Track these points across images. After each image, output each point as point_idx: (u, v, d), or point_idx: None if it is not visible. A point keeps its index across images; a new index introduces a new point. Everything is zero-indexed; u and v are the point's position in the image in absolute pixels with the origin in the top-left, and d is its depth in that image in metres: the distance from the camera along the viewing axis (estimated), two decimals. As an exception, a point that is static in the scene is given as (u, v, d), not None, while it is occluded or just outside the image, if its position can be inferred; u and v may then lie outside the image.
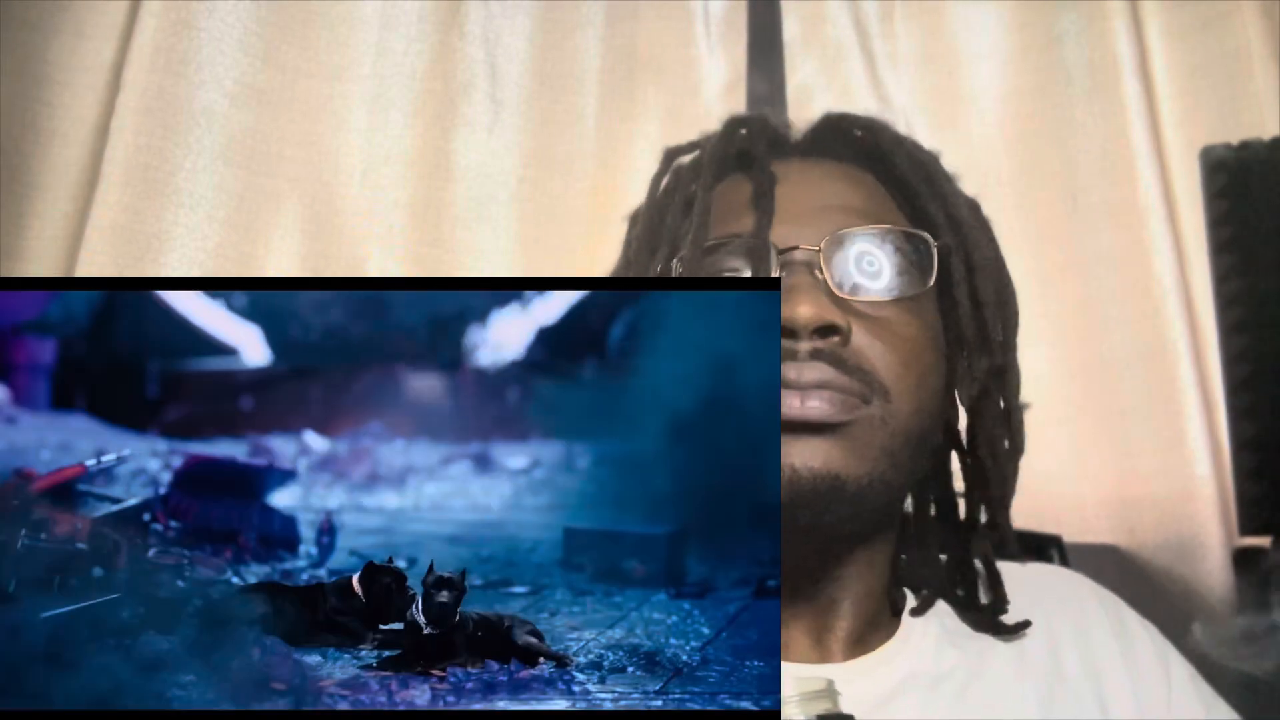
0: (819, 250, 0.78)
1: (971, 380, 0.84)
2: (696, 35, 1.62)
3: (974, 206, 0.89)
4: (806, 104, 1.61)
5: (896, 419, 0.76)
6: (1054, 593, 0.88)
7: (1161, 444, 1.46)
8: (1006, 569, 0.88)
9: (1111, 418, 1.50)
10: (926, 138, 1.61)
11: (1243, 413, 1.25)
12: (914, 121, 1.62)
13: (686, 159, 0.91)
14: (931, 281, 0.80)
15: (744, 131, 0.89)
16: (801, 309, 0.74)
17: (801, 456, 0.74)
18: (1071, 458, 1.52)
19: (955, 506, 0.90)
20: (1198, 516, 1.42)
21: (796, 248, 0.78)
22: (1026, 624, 0.84)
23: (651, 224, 0.87)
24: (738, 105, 1.60)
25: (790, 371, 0.74)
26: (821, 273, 0.78)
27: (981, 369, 0.84)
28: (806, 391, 0.74)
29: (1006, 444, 0.86)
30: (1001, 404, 0.86)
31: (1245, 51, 1.51)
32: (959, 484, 0.90)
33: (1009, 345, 0.86)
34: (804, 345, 0.75)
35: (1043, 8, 1.61)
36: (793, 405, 0.74)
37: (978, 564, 0.88)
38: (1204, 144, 1.31)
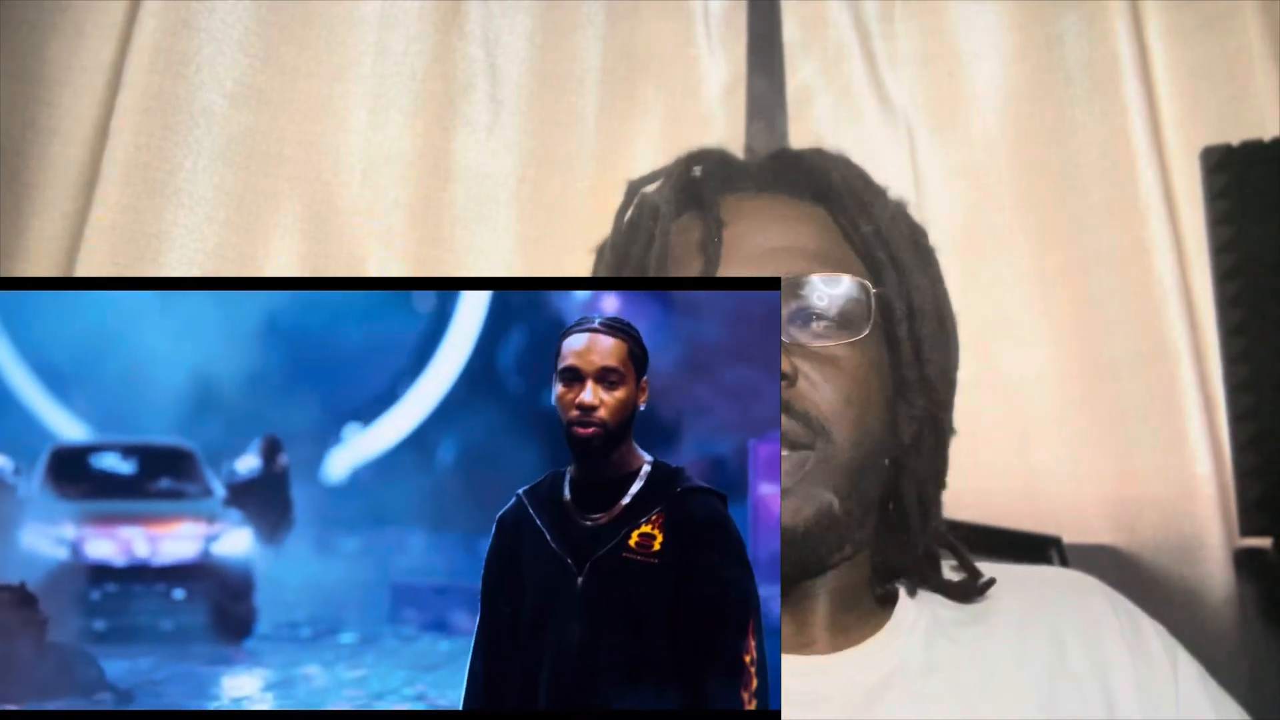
0: None
1: (910, 419, 0.88)
2: (696, 35, 1.61)
3: (917, 238, 0.92)
4: (807, 104, 1.61)
5: (838, 455, 0.81)
6: (1062, 593, 0.89)
7: (1161, 444, 1.46)
8: (1015, 571, 0.90)
9: (1111, 418, 1.50)
10: (926, 138, 1.64)
11: (1243, 413, 1.25)
12: (914, 121, 1.62)
13: (650, 189, 0.93)
14: (868, 329, 0.84)
15: (697, 170, 0.91)
16: None
17: None
18: (1071, 458, 1.52)
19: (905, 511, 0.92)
20: (1198, 517, 1.42)
21: None
22: (992, 581, 0.87)
23: (617, 259, 0.90)
24: (738, 105, 1.60)
25: None
26: None
27: (919, 408, 0.88)
28: None
29: (931, 482, 0.90)
30: (934, 441, 0.90)
31: (1245, 51, 1.51)
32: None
33: (949, 382, 0.90)
34: None
35: (1043, 8, 1.60)
36: None
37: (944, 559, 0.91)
38: (1204, 144, 1.31)
